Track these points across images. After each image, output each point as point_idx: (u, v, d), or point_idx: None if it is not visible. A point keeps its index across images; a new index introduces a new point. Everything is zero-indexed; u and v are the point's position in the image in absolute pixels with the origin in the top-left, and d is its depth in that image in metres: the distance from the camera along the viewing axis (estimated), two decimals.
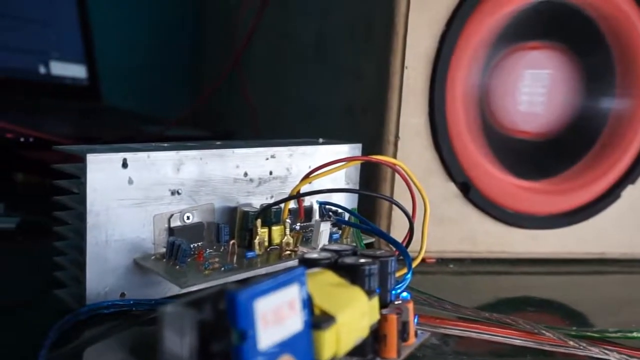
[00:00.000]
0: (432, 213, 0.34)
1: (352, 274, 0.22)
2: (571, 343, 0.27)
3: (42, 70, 0.74)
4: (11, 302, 0.29)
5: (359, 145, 0.39)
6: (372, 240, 0.36)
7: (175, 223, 0.30)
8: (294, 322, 0.18)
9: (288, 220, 0.32)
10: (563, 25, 0.43)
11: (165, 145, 0.31)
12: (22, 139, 0.52)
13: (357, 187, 0.39)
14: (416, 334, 0.25)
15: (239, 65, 0.65)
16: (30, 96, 0.71)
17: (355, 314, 0.20)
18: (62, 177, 0.28)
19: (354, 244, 0.33)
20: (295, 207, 0.34)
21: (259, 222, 0.31)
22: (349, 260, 0.23)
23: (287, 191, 0.34)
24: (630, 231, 0.46)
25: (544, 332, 0.27)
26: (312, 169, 0.32)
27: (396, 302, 0.24)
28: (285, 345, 0.17)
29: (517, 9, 0.41)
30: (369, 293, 0.22)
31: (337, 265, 0.23)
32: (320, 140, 0.38)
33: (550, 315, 0.35)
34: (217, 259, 0.30)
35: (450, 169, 0.41)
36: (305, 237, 0.34)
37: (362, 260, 0.23)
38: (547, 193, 0.44)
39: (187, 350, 0.16)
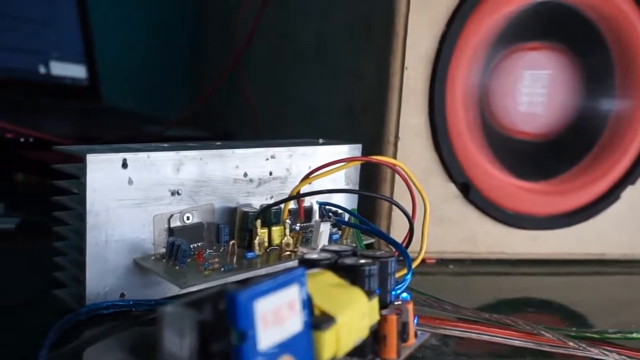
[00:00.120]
0: (432, 214, 0.34)
1: (352, 275, 0.22)
2: (571, 344, 0.27)
3: (42, 70, 0.74)
4: (11, 302, 0.29)
5: (359, 146, 0.39)
6: (372, 240, 0.36)
7: (175, 223, 0.30)
8: (294, 323, 0.18)
9: (288, 221, 0.32)
10: (563, 26, 0.43)
11: (165, 145, 0.31)
12: (22, 139, 0.52)
13: (357, 188, 0.39)
14: (416, 335, 0.25)
15: (239, 65, 0.65)
16: (30, 96, 0.71)
17: (355, 314, 0.20)
18: (62, 177, 0.28)
19: (354, 245, 0.33)
20: (295, 207, 0.34)
21: (258, 222, 0.31)
22: (348, 260, 0.23)
23: (287, 192, 0.34)
24: (630, 232, 0.46)
25: (543, 333, 0.27)
26: (312, 169, 0.32)
27: (396, 303, 0.24)
28: (285, 346, 0.17)
29: (517, 10, 0.41)
30: (369, 294, 0.22)
31: (337, 265, 0.23)
32: (320, 140, 0.38)
33: (550, 316, 0.35)
34: (216, 260, 0.30)
35: (450, 170, 0.41)
36: (305, 237, 0.34)
37: (362, 261, 0.23)
38: (547, 194, 0.44)
39: (187, 350, 0.16)
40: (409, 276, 0.26)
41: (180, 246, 0.28)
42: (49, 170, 0.29)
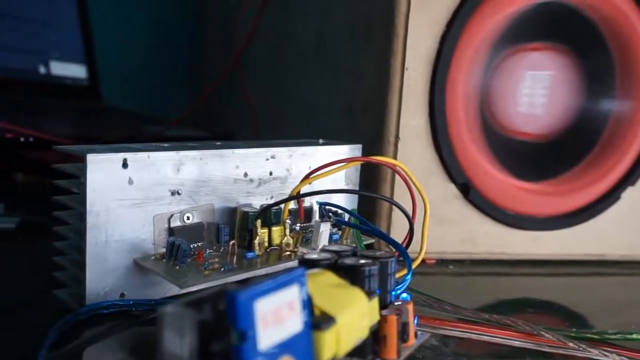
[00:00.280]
0: (432, 214, 0.34)
1: (352, 275, 0.22)
2: (571, 344, 0.27)
3: (42, 70, 0.74)
4: (11, 302, 0.29)
5: (359, 146, 0.39)
6: (372, 241, 0.36)
7: (175, 223, 0.30)
8: (294, 323, 0.18)
9: (288, 221, 0.32)
10: (564, 26, 0.43)
11: (166, 145, 0.31)
12: (22, 139, 0.52)
13: (357, 188, 0.39)
14: (416, 335, 0.25)
15: (239, 65, 0.65)
16: (30, 96, 0.71)
17: (355, 314, 0.20)
18: (62, 177, 0.28)
19: (354, 245, 0.33)
20: (295, 207, 0.34)
21: (258, 222, 0.31)
22: (349, 261, 0.23)
23: (287, 192, 0.34)
24: (630, 233, 0.46)
25: (543, 333, 0.27)
26: (312, 169, 0.32)
27: (396, 303, 0.24)
28: (285, 346, 0.17)
29: (518, 10, 0.41)
30: (369, 294, 0.21)
31: (337, 266, 0.23)
32: (320, 141, 0.38)
33: (550, 317, 0.35)
34: (217, 260, 0.30)
35: (450, 170, 0.41)
36: (305, 237, 0.34)
37: (362, 261, 0.23)
38: (547, 194, 0.44)
39: (187, 350, 0.16)
40: (409, 276, 0.26)
41: (180, 246, 0.28)
42: (49, 170, 0.29)
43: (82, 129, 0.68)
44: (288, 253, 0.31)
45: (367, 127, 0.42)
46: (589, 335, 0.28)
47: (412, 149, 0.40)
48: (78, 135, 0.61)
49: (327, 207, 0.32)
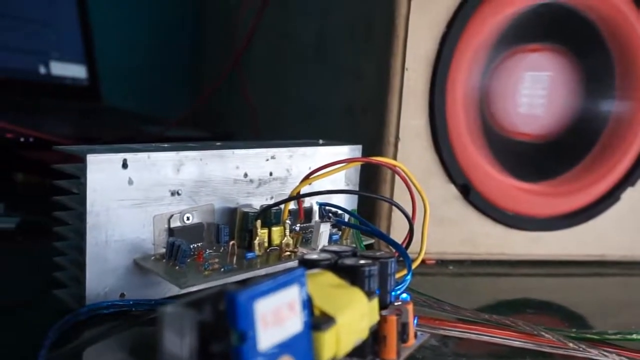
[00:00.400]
0: (432, 214, 0.34)
1: (352, 275, 0.22)
2: (571, 345, 0.27)
3: (42, 70, 0.74)
4: (11, 302, 0.29)
5: (359, 147, 0.39)
6: (371, 241, 0.36)
7: (175, 224, 0.30)
8: (294, 323, 0.18)
9: (288, 221, 0.32)
10: (563, 27, 0.43)
11: (166, 145, 0.31)
12: (22, 139, 0.52)
13: (357, 189, 0.39)
14: (416, 336, 0.25)
15: (239, 65, 0.65)
16: (30, 96, 0.71)
17: (355, 315, 0.20)
18: (62, 177, 0.28)
19: (354, 245, 0.33)
20: (295, 208, 0.34)
21: (258, 223, 0.31)
22: (348, 261, 0.23)
23: (287, 192, 0.34)
24: (630, 233, 0.46)
25: (543, 333, 0.27)
26: (312, 170, 0.32)
27: (396, 304, 0.24)
28: (285, 346, 0.17)
29: (518, 11, 0.41)
30: (369, 294, 0.22)
31: (337, 266, 0.23)
32: (320, 141, 0.38)
33: (549, 317, 0.35)
34: (216, 260, 0.30)
35: (450, 171, 0.41)
36: (305, 238, 0.34)
37: (362, 262, 0.23)
38: (547, 195, 0.44)
39: (187, 350, 0.16)
40: (408, 277, 0.26)
41: (180, 246, 0.28)
42: (49, 170, 0.29)
43: (82, 129, 0.68)
44: (288, 253, 0.31)
45: (367, 127, 0.42)
46: (588, 336, 0.29)
47: (412, 150, 0.40)
48: (78, 135, 0.61)
49: (327, 207, 0.32)
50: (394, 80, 0.40)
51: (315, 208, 0.35)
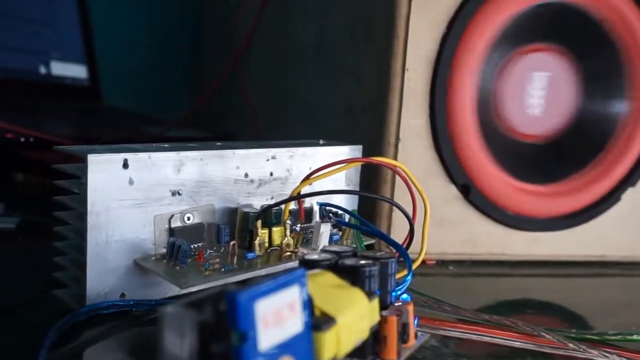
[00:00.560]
0: (433, 215, 0.34)
1: (353, 276, 0.22)
2: (571, 345, 0.27)
3: (42, 70, 0.74)
4: (11, 302, 0.29)
5: (359, 147, 0.39)
6: (372, 241, 0.36)
7: (176, 224, 0.30)
8: (294, 324, 0.18)
9: (288, 222, 0.32)
10: (565, 27, 0.43)
11: (166, 145, 0.31)
12: (22, 139, 0.52)
13: (358, 189, 0.39)
14: (416, 336, 0.25)
15: (239, 65, 0.65)
16: (31, 96, 0.71)
17: (355, 315, 0.20)
18: (63, 178, 0.28)
19: (354, 246, 0.33)
20: (295, 208, 0.34)
21: (259, 223, 0.31)
22: (349, 261, 0.23)
23: (287, 192, 0.34)
24: (631, 234, 0.46)
25: (543, 334, 0.27)
26: (313, 170, 0.32)
27: (396, 304, 0.24)
28: (285, 347, 0.17)
29: (519, 11, 0.41)
30: (369, 294, 0.22)
31: (337, 266, 0.23)
32: (321, 141, 0.38)
33: (550, 318, 0.35)
34: (217, 260, 0.30)
35: (450, 171, 0.41)
36: (306, 238, 0.34)
37: (363, 262, 0.23)
38: (547, 195, 0.44)
39: (187, 351, 0.16)
40: (409, 277, 0.26)
41: (180, 246, 0.28)
42: (49, 170, 0.29)
43: (83, 129, 0.68)
44: (288, 254, 0.31)
45: (368, 127, 0.42)
46: (589, 336, 0.29)
47: (412, 150, 0.40)
48: (78, 135, 0.61)
49: (327, 207, 0.32)
50: (395, 81, 0.40)
51: (316, 208, 0.35)
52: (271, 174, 0.34)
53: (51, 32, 0.76)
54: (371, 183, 0.41)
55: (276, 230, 0.32)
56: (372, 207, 0.41)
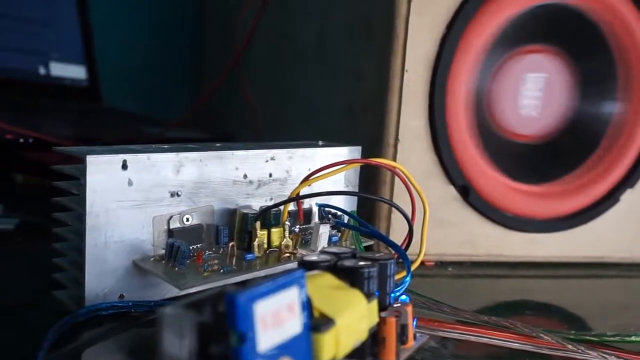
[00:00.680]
0: (432, 216, 0.34)
1: (352, 277, 0.22)
2: (569, 347, 0.27)
3: (41, 71, 0.74)
4: (10, 303, 0.29)
5: (359, 148, 0.39)
6: (371, 243, 0.36)
7: (175, 225, 0.30)
8: (293, 325, 0.18)
9: (287, 223, 0.32)
10: (563, 28, 0.43)
11: (165, 146, 0.31)
12: (21, 140, 0.52)
13: (357, 190, 0.39)
14: (415, 337, 0.25)
15: (239, 66, 0.65)
16: (30, 97, 0.71)
17: (354, 316, 0.20)
18: (62, 178, 0.28)
19: (353, 247, 0.33)
20: (294, 209, 0.34)
21: (258, 224, 0.31)
22: (348, 262, 0.23)
23: (286, 193, 0.34)
24: (629, 235, 0.46)
25: (542, 335, 0.27)
26: (312, 171, 0.32)
27: (395, 305, 0.24)
28: (284, 348, 0.17)
29: (518, 13, 0.41)
30: (368, 296, 0.22)
31: (336, 267, 0.23)
32: (320, 142, 0.38)
33: (548, 319, 0.35)
34: (216, 261, 0.30)
35: (450, 172, 0.41)
36: (305, 239, 0.34)
37: (362, 263, 0.23)
38: (546, 197, 0.44)
39: (186, 352, 0.16)
40: (408, 278, 0.26)
41: (179, 247, 0.28)
42: (48, 171, 0.29)
43: (82, 129, 0.68)
44: (287, 255, 0.31)
45: (367, 128, 0.42)
46: (587, 338, 0.29)
47: (411, 151, 0.40)
48: (78, 136, 0.61)
49: (326, 208, 0.32)
50: (394, 81, 0.40)
51: (315, 209, 0.35)
52: (270, 175, 0.34)
53: (51, 32, 0.76)
54: (370, 184, 0.41)
55: (275, 231, 0.32)
56: (371, 208, 0.41)
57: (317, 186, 0.34)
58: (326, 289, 0.21)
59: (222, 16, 0.78)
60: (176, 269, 0.28)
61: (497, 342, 0.28)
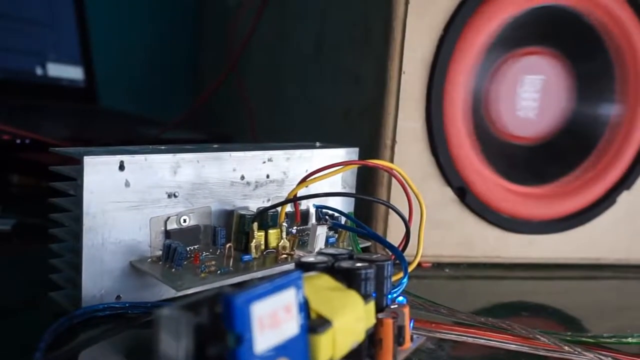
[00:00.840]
0: (429, 217, 0.34)
1: (349, 278, 0.22)
2: (566, 348, 0.27)
3: (39, 71, 0.74)
4: (6, 304, 0.29)
5: (356, 150, 0.39)
6: (368, 244, 0.36)
7: (172, 226, 0.30)
8: (291, 326, 0.18)
9: (284, 224, 0.32)
10: (560, 30, 0.43)
11: (163, 147, 0.31)
12: (18, 141, 0.52)
13: (354, 191, 0.39)
14: (412, 339, 0.25)
15: (237, 67, 0.65)
16: (27, 98, 0.71)
17: (351, 318, 0.20)
18: (59, 179, 0.28)
19: (351, 248, 0.33)
20: (291, 210, 0.34)
21: (255, 225, 0.31)
22: (345, 264, 0.23)
23: (283, 195, 0.34)
24: (626, 237, 0.46)
25: (539, 337, 0.27)
26: (309, 172, 0.32)
27: (392, 307, 0.24)
28: (281, 349, 0.17)
29: (516, 14, 0.41)
30: (365, 297, 0.22)
31: (333, 269, 0.23)
32: (317, 144, 0.38)
33: (545, 320, 0.35)
34: (213, 262, 0.30)
35: (446, 174, 0.41)
36: (302, 240, 0.34)
37: (359, 265, 0.23)
38: (543, 198, 0.44)
39: (183, 353, 0.16)
40: (405, 280, 0.26)
41: (176, 249, 0.28)
42: (45, 172, 0.29)
43: (79, 130, 0.68)
44: (284, 256, 0.32)
45: (365, 130, 0.42)
46: (584, 339, 0.29)
47: (408, 153, 0.40)
48: (75, 137, 0.61)
49: (323, 210, 0.32)
50: (391, 83, 0.40)
51: (312, 211, 0.35)
52: (267, 177, 0.34)
53: (48, 33, 0.76)
54: (367, 186, 0.41)
55: (272, 232, 0.32)
56: (369, 210, 0.41)
57: (314, 187, 0.34)
58: (323, 290, 0.21)
59: (220, 18, 0.78)
60: (173, 270, 0.28)
61: (494, 343, 0.28)
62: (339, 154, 0.38)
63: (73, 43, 0.78)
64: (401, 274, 0.26)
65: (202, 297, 0.17)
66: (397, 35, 0.39)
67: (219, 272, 0.29)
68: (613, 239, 0.46)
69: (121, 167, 0.28)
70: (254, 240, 0.31)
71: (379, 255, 0.24)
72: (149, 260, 0.29)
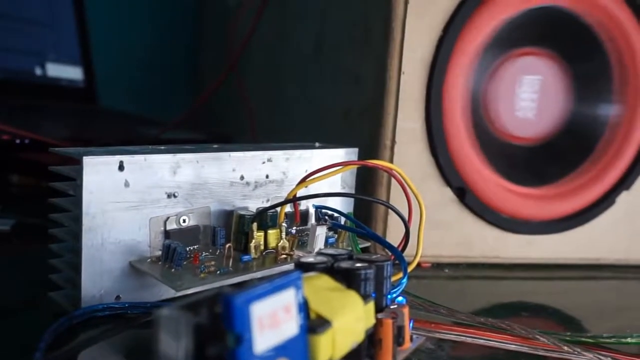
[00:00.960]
0: (428, 218, 0.34)
1: (348, 278, 0.22)
2: (565, 348, 0.27)
3: (38, 71, 0.74)
4: (6, 305, 0.29)
5: (355, 150, 0.39)
6: (368, 244, 0.36)
7: (171, 226, 0.30)
8: (290, 326, 0.18)
9: (284, 224, 0.32)
10: (559, 31, 0.43)
11: (162, 148, 0.31)
12: (18, 141, 0.52)
13: (353, 192, 0.39)
14: (411, 339, 0.25)
15: (237, 68, 0.65)
16: (27, 98, 0.71)
17: (351, 318, 0.20)
18: (58, 179, 0.28)
19: (350, 248, 0.33)
20: (291, 211, 0.34)
21: (254, 225, 0.31)
22: (345, 264, 0.23)
23: (283, 195, 0.34)
24: (625, 237, 0.46)
25: (538, 337, 0.27)
26: (309, 173, 0.32)
27: (392, 307, 0.24)
28: (281, 349, 0.17)
29: (515, 15, 0.41)
30: (365, 297, 0.22)
31: (333, 269, 0.23)
32: (317, 144, 0.38)
33: (544, 321, 0.35)
34: (212, 262, 0.30)
35: (446, 174, 0.41)
36: (301, 241, 0.34)
37: (358, 265, 0.23)
38: (542, 198, 0.44)
39: (183, 353, 0.16)
40: (404, 280, 0.26)
41: (176, 249, 0.28)
42: (45, 172, 0.29)
43: (79, 130, 0.68)
44: (284, 256, 0.32)
45: (364, 130, 0.42)
46: (583, 339, 0.29)
47: (408, 153, 0.40)
48: (74, 137, 0.61)
49: (323, 210, 0.32)
50: (391, 83, 0.40)
51: (312, 211, 0.35)
52: (267, 177, 0.34)
53: (48, 33, 0.76)
54: (367, 186, 0.41)
55: (272, 232, 0.32)
56: (368, 210, 0.41)
57: (314, 188, 0.34)
58: (323, 291, 0.21)
59: (220, 18, 0.78)
60: (173, 270, 0.28)
61: (494, 343, 0.28)
62: (338, 154, 0.38)
63: (73, 43, 0.78)
64: (401, 274, 0.26)
65: (202, 297, 0.17)
66: (396, 35, 0.39)
67: (218, 272, 0.29)
68: (612, 240, 0.46)
69: (121, 167, 0.28)
70: (254, 241, 0.31)
71: (379, 255, 0.24)
72: (149, 260, 0.29)
